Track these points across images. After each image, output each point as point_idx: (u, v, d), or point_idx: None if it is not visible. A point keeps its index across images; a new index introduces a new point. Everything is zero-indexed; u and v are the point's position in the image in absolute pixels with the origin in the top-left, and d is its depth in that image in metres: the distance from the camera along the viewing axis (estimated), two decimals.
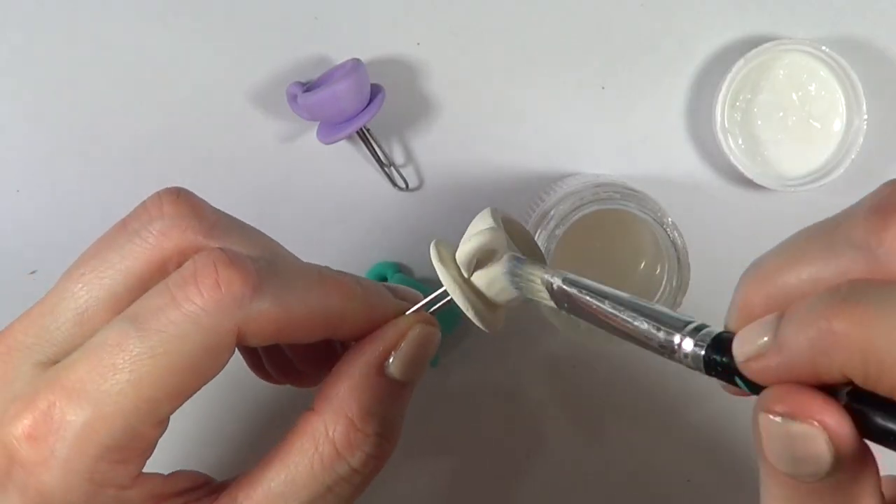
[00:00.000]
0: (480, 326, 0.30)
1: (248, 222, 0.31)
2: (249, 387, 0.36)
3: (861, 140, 0.45)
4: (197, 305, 0.26)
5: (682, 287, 0.40)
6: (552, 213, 0.40)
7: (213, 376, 0.27)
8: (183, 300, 0.26)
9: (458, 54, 0.47)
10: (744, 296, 0.24)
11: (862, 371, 0.20)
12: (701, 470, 0.49)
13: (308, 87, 0.45)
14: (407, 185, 0.47)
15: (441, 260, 0.30)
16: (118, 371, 0.26)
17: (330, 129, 0.45)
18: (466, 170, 0.47)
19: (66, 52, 0.47)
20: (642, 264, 0.45)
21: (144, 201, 0.29)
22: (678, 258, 0.39)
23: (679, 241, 0.39)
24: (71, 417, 0.26)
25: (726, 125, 0.46)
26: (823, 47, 0.45)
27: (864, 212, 0.22)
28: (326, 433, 0.29)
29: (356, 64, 0.45)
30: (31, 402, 0.26)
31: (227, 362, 0.28)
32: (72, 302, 0.28)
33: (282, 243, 0.32)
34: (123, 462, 0.27)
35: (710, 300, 0.30)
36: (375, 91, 0.45)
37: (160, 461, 0.29)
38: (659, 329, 0.24)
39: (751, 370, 0.22)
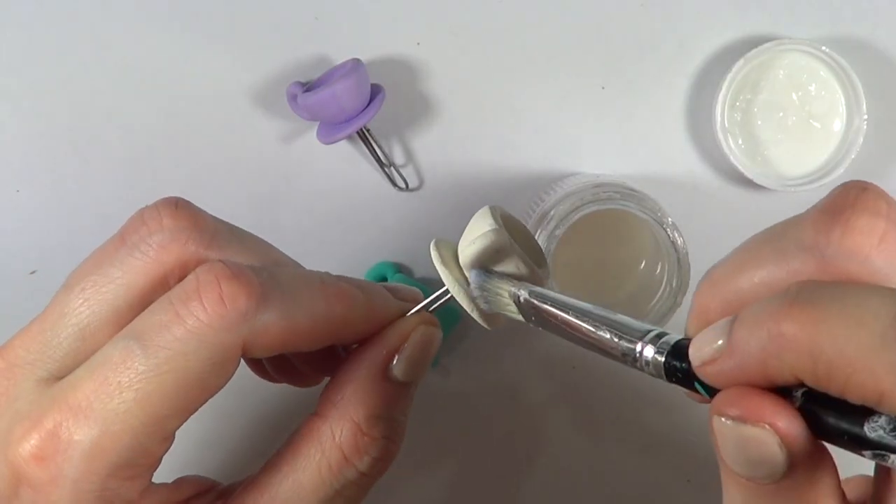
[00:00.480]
0: (485, 326, 0.31)
1: (247, 222, 0.31)
2: (251, 388, 0.36)
3: (861, 140, 0.45)
4: (201, 321, 0.26)
5: (682, 287, 0.40)
6: (552, 213, 0.40)
7: (220, 389, 0.27)
8: (187, 316, 0.26)
9: (458, 54, 0.47)
10: (700, 301, 0.24)
11: (811, 372, 0.19)
12: (701, 470, 0.49)
13: (308, 87, 0.45)
14: (407, 185, 0.47)
15: (443, 261, 0.30)
16: (124, 389, 0.26)
17: (330, 129, 0.45)
18: (466, 170, 0.47)
19: (66, 52, 0.47)
20: (642, 264, 0.45)
21: (142, 212, 0.29)
22: (678, 258, 0.39)
23: (679, 242, 0.39)
24: (78, 437, 0.26)
25: (726, 125, 0.46)
26: (823, 47, 0.45)
27: (813, 214, 0.22)
28: (333, 438, 0.29)
29: (356, 64, 0.45)
30: (38, 422, 0.26)
31: (232, 375, 0.27)
32: (73, 318, 0.28)
33: (282, 243, 0.32)
34: (132, 478, 0.27)
35: None
36: (375, 91, 0.45)
37: (164, 464, 0.29)
38: (620, 338, 0.24)
39: (706, 374, 0.22)
